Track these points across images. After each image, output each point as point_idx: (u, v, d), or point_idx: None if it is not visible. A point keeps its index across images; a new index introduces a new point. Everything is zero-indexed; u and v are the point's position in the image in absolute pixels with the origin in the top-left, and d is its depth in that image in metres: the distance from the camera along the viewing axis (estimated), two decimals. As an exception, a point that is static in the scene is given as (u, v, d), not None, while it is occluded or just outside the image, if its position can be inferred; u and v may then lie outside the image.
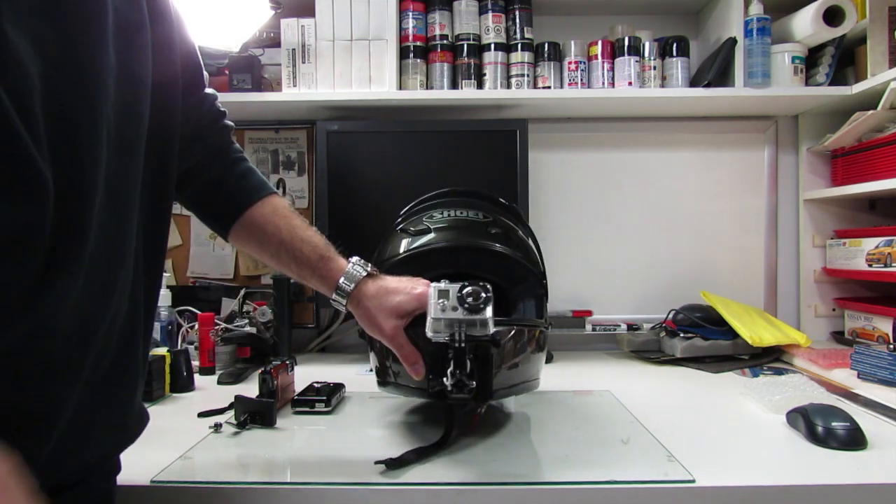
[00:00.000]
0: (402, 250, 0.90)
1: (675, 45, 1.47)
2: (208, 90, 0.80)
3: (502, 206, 0.99)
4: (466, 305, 0.73)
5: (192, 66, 0.75)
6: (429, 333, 0.73)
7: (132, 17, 0.58)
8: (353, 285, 0.78)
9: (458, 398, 0.73)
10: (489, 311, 0.73)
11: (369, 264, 0.81)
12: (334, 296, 0.79)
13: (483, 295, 0.73)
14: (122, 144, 0.56)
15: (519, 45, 1.46)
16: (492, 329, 0.73)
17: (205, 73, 0.79)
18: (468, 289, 0.74)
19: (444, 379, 0.72)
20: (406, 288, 0.78)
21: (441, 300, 0.74)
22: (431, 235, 0.89)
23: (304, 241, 0.80)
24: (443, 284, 0.75)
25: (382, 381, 0.88)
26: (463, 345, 0.72)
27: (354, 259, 0.81)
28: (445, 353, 0.73)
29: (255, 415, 0.91)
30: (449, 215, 0.92)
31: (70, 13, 0.50)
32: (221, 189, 0.81)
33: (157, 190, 0.66)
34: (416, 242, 0.89)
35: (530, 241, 0.95)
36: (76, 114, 0.50)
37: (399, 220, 0.99)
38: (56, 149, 0.48)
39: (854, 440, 0.79)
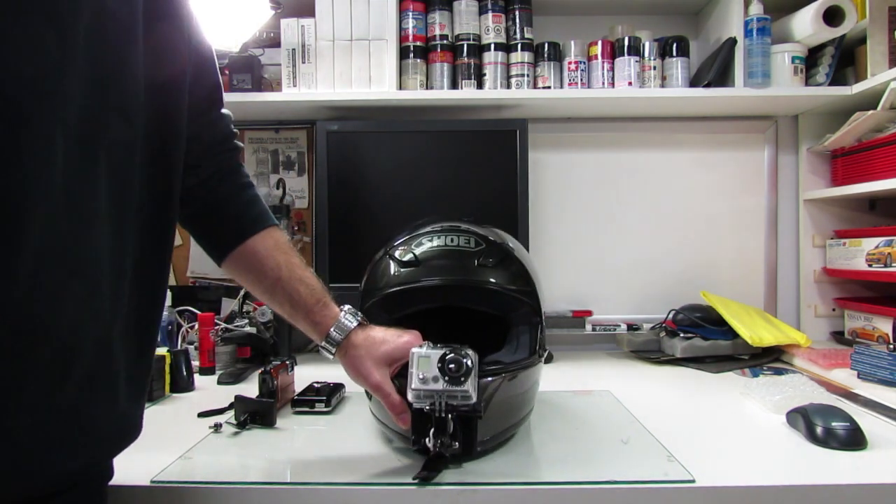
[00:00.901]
0: (390, 281, 0.86)
1: (675, 45, 1.47)
2: (224, 110, 0.79)
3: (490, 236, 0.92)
4: (447, 377, 0.71)
5: (209, 81, 0.74)
6: (410, 399, 0.72)
7: (121, 16, 0.57)
8: (342, 336, 0.77)
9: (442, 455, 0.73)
10: (471, 382, 0.71)
11: (359, 313, 0.80)
12: (324, 344, 0.77)
13: (465, 365, 0.71)
14: (86, 149, 0.54)
15: (519, 45, 1.46)
16: (474, 399, 0.71)
17: (222, 91, 0.77)
18: (450, 356, 0.72)
19: (427, 440, 0.71)
20: (392, 338, 0.77)
21: (421, 370, 0.72)
22: (420, 269, 0.85)
23: (302, 281, 0.78)
24: (424, 350, 0.73)
25: (377, 419, 0.87)
26: (444, 415, 0.71)
27: (346, 307, 0.79)
28: (429, 414, 0.72)
29: (255, 415, 0.91)
30: (439, 244, 0.87)
31: (34, 16, 0.49)
32: (224, 213, 0.78)
33: (161, 198, 0.64)
34: (403, 275, 0.85)
35: (527, 268, 0.89)
36: (25, 116, 0.49)
37: (391, 244, 0.92)
38: None
39: (854, 440, 0.79)
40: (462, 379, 0.71)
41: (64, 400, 0.54)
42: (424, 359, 0.72)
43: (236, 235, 0.78)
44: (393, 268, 0.87)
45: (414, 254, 0.86)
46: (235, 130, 0.81)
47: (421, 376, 0.72)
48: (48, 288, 0.52)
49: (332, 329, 0.77)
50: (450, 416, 0.71)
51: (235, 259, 0.78)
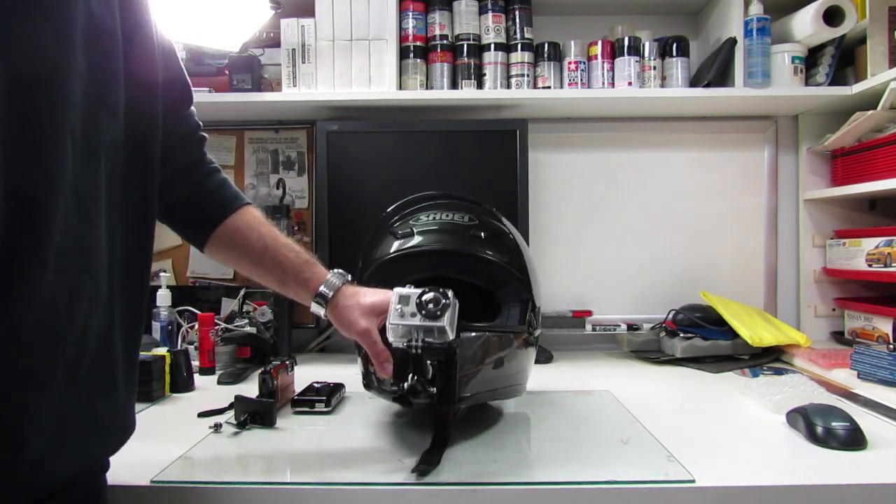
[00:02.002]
0: (386, 252, 0.90)
1: (675, 45, 1.47)
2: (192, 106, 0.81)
3: (486, 212, 0.97)
4: (424, 312, 0.73)
5: (180, 81, 0.76)
6: (389, 338, 0.74)
7: (106, 24, 0.58)
8: (332, 291, 0.80)
9: (419, 403, 0.73)
10: (447, 319, 0.73)
11: (349, 274, 0.83)
12: (314, 300, 0.80)
13: (442, 301, 0.73)
14: (88, 149, 0.55)
15: (519, 45, 1.46)
16: (450, 336, 0.73)
17: (191, 88, 0.80)
18: (428, 295, 0.74)
19: (406, 384, 0.72)
20: (380, 291, 0.81)
21: (400, 305, 0.74)
22: (415, 239, 0.89)
23: (288, 247, 0.82)
24: (405, 289, 0.76)
25: (366, 383, 0.89)
26: (419, 351, 0.72)
27: (335, 270, 0.83)
28: (409, 359, 0.73)
29: (255, 415, 0.91)
30: (434, 218, 0.92)
31: (39, 19, 0.50)
32: (199, 199, 0.81)
33: (142, 194, 0.65)
34: (398, 246, 0.89)
35: (519, 246, 0.94)
36: (38, 118, 0.50)
37: (385, 219, 0.98)
38: (13, 151, 0.48)
39: (854, 440, 0.80)
40: (439, 314, 0.73)
41: (75, 397, 0.56)
42: (405, 296, 0.75)
43: (215, 217, 0.81)
44: (388, 240, 0.90)
45: (410, 227, 0.90)
46: (200, 122, 0.83)
47: (399, 310, 0.74)
48: (66, 288, 0.53)
49: (321, 287, 0.80)
50: (428, 361, 0.72)
51: (218, 239, 0.81)
